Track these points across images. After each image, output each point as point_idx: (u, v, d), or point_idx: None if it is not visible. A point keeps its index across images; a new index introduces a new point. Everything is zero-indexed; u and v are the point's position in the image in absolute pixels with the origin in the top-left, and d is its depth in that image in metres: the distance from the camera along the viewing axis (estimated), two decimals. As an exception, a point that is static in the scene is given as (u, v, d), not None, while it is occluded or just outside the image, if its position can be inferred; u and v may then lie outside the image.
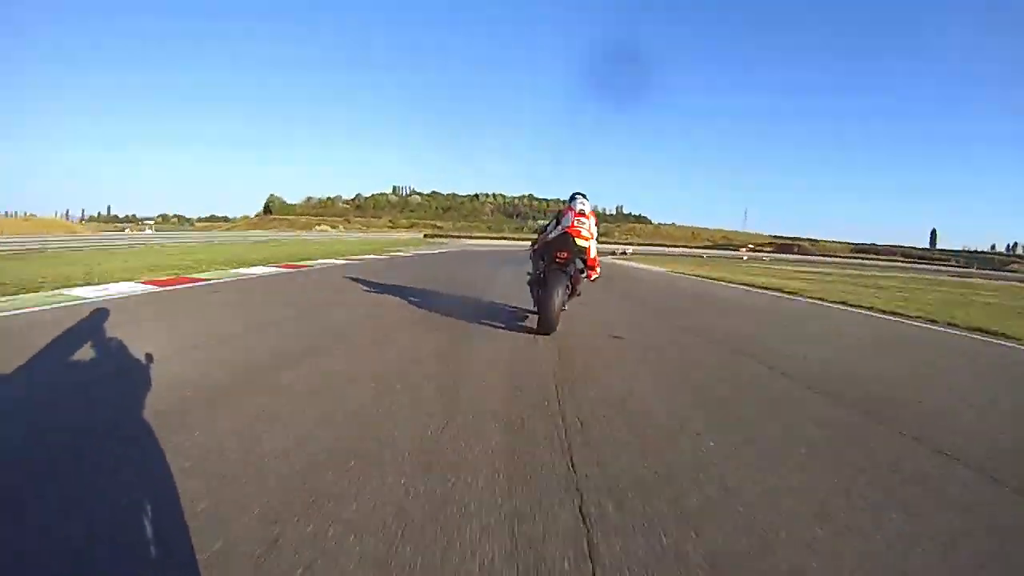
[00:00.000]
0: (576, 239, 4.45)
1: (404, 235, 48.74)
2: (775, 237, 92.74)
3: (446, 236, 50.63)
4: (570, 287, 4.62)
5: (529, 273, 5.46)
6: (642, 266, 21.25)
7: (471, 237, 50.30)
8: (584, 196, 4.85)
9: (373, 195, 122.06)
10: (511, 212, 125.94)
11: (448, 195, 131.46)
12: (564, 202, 4.94)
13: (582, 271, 4.67)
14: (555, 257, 4.49)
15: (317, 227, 59.84)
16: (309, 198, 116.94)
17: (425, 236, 46.56)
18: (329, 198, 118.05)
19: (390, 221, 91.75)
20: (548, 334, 4.42)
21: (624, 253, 39.30)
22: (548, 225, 5.10)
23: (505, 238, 54.16)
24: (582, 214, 4.60)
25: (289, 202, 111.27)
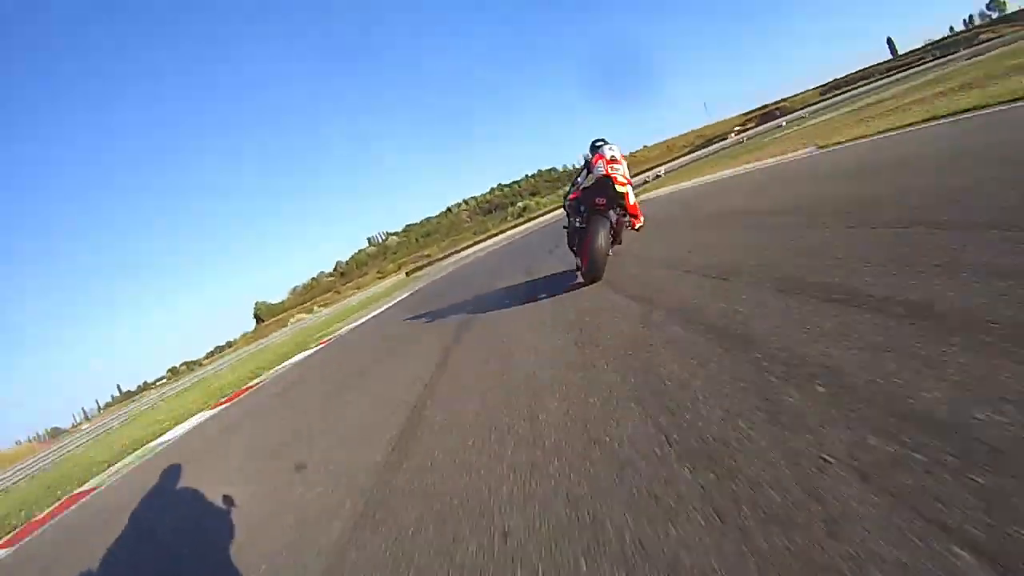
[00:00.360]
0: (614, 185, 4.20)
1: (387, 282, 46.12)
2: (746, 114, 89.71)
3: (432, 262, 48.30)
4: (613, 233, 4.44)
5: (565, 227, 5.28)
6: (689, 184, 15.10)
7: (459, 251, 47.99)
8: (606, 141, 4.64)
9: (352, 256, 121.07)
10: (488, 209, 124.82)
11: (421, 221, 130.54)
12: (587, 155, 4.63)
13: (624, 216, 4.49)
14: (593, 204, 4.31)
15: (292, 320, 57.77)
16: (294, 288, 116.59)
17: (408, 274, 43.70)
18: (312, 279, 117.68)
19: (378, 272, 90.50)
20: (597, 280, 4.37)
21: (657, 176, 34.52)
22: (578, 177, 4.89)
23: (492, 236, 52.10)
24: (613, 160, 4.37)
25: (275, 302, 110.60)
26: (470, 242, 54.40)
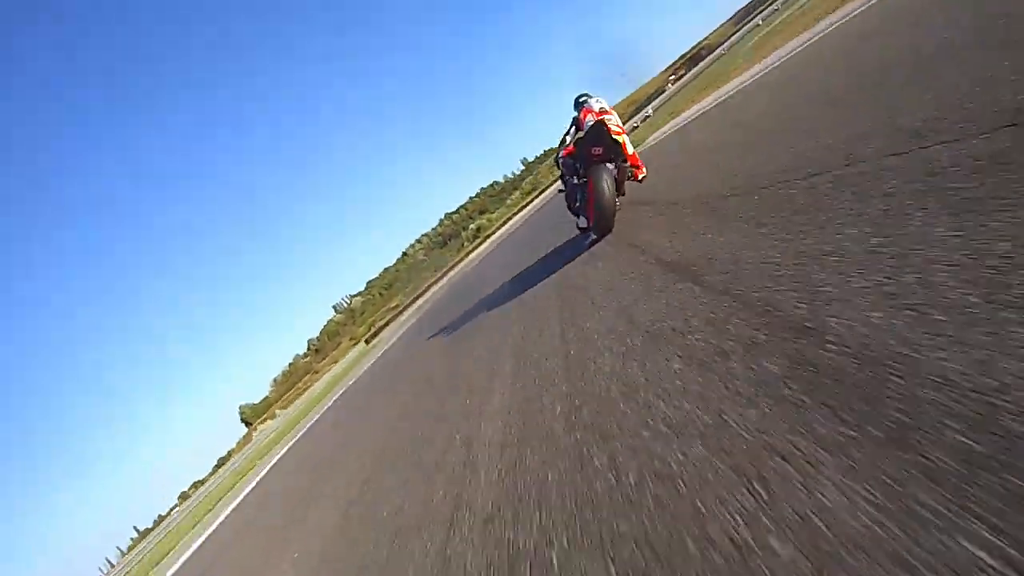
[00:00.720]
0: (609, 133, 3.95)
1: (349, 357, 42.58)
2: (671, 66, 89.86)
3: (399, 312, 46.12)
4: (616, 183, 4.17)
5: (561, 190, 4.88)
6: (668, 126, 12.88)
7: (422, 295, 46.26)
8: (590, 95, 4.63)
9: (322, 330, 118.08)
10: (443, 241, 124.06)
11: (380, 274, 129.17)
12: (574, 113, 4.66)
13: (625, 164, 4.15)
14: (590, 155, 3.99)
15: (256, 431, 53.70)
16: (274, 379, 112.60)
17: (366, 341, 40.44)
18: (289, 364, 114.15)
19: (351, 339, 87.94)
20: (608, 231, 4.04)
21: (647, 117, 32.74)
22: (566, 136, 4.71)
23: (453, 267, 50.65)
24: (603, 112, 4.30)
25: (260, 400, 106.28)
26: (432, 279, 52.87)
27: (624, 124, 4.46)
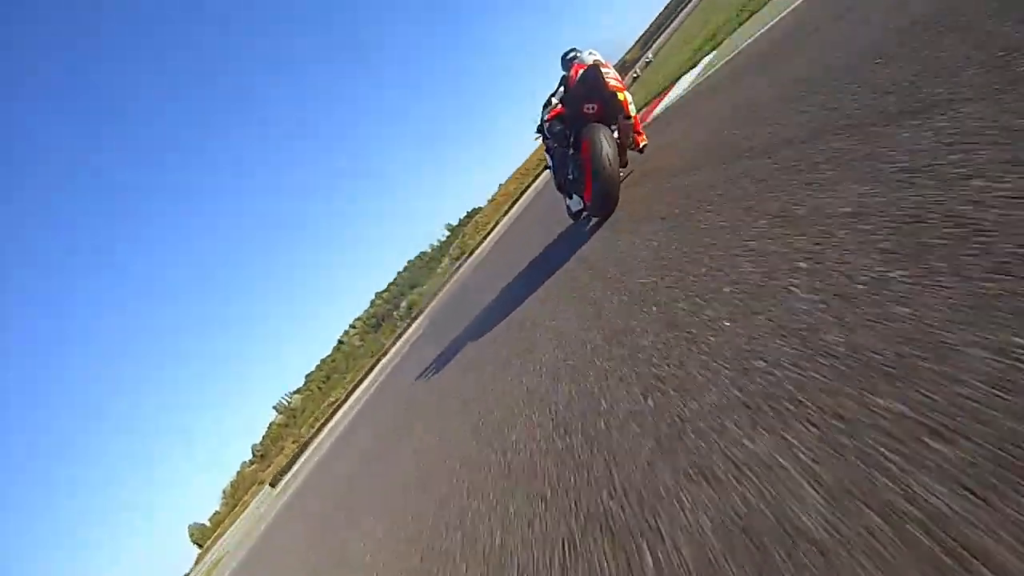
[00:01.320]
0: (607, 85, 3.36)
1: (249, 512, 35.10)
2: (641, 38, 71.48)
3: (326, 420, 41.68)
4: (619, 146, 3.47)
5: (548, 167, 4.43)
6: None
7: (359, 384, 43.71)
8: (579, 50, 3.95)
9: (265, 435, 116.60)
10: (376, 323, 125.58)
11: (315, 368, 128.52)
12: (563, 73, 3.81)
13: (628, 121, 3.54)
14: (582, 114, 3.33)
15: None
16: (223, 492, 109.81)
17: (272, 484, 33.10)
18: (237, 473, 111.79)
19: (293, 442, 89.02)
20: (610, 209, 3.20)
21: (648, 62, 28.50)
22: (551, 97, 3.84)
23: (391, 348, 50.43)
24: (600, 64, 3.54)
25: (210, 517, 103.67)
26: (369, 368, 53.88)
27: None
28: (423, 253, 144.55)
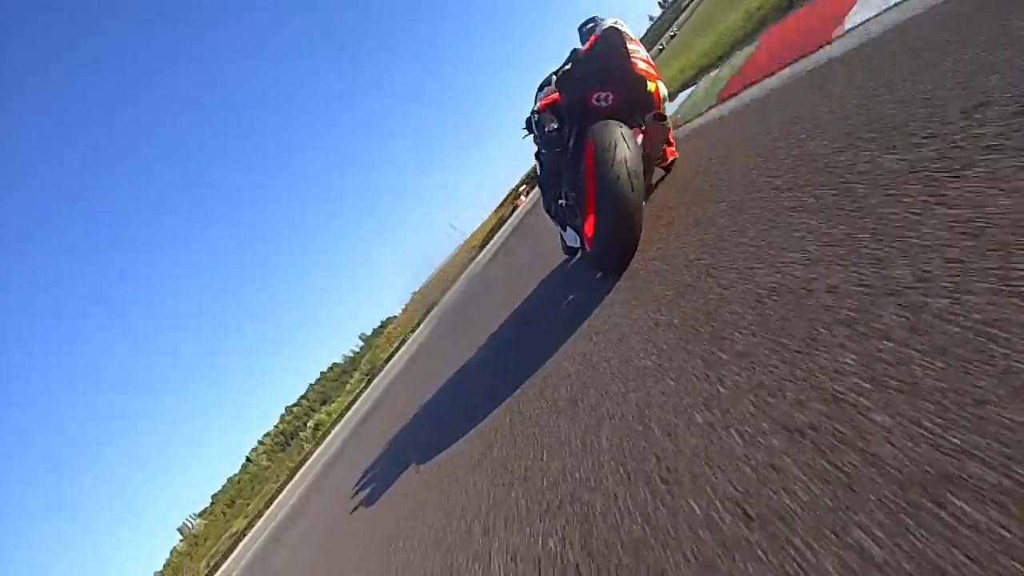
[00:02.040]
0: (632, 66, 2.37)
1: None
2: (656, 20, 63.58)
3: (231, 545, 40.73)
4: (644, 152, 2.34)
5: (537, 176, 3.14)
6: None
7: (262, 514, 40.28)
8: (598, 19, 2.84)
9: (166, 563, 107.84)
10: (284, 441, 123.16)
11: (224, 486, 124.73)
12: (576, 47, 2.63)
13: (661, 125, 2.43)
14: (589, 104, 2.31)
15: None
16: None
17: None
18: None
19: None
20: (626, 261, 2.05)
21: (673, 36, 24.71)
22: (552, 75, 2.72)
23: (297, 470, 47.75)
24: (620, 33, 2.49)
25: None
26: (274, 490, 52.49)
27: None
28: (336, 364, 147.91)
